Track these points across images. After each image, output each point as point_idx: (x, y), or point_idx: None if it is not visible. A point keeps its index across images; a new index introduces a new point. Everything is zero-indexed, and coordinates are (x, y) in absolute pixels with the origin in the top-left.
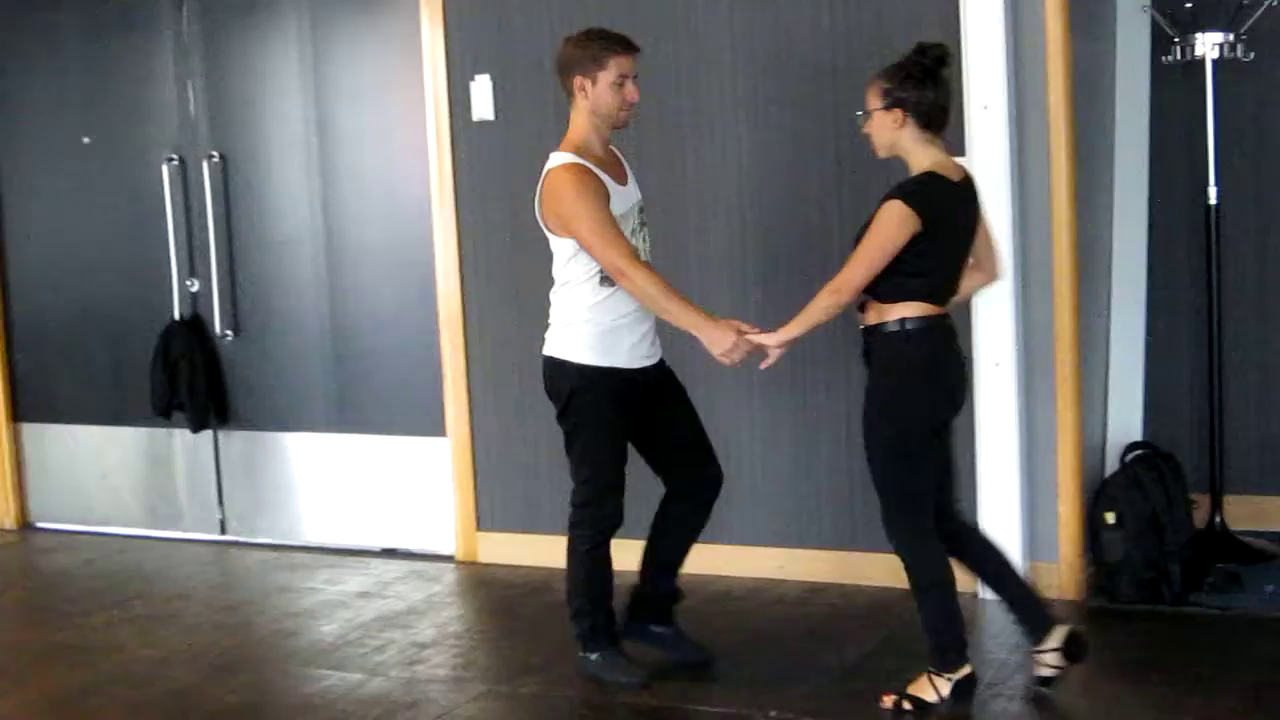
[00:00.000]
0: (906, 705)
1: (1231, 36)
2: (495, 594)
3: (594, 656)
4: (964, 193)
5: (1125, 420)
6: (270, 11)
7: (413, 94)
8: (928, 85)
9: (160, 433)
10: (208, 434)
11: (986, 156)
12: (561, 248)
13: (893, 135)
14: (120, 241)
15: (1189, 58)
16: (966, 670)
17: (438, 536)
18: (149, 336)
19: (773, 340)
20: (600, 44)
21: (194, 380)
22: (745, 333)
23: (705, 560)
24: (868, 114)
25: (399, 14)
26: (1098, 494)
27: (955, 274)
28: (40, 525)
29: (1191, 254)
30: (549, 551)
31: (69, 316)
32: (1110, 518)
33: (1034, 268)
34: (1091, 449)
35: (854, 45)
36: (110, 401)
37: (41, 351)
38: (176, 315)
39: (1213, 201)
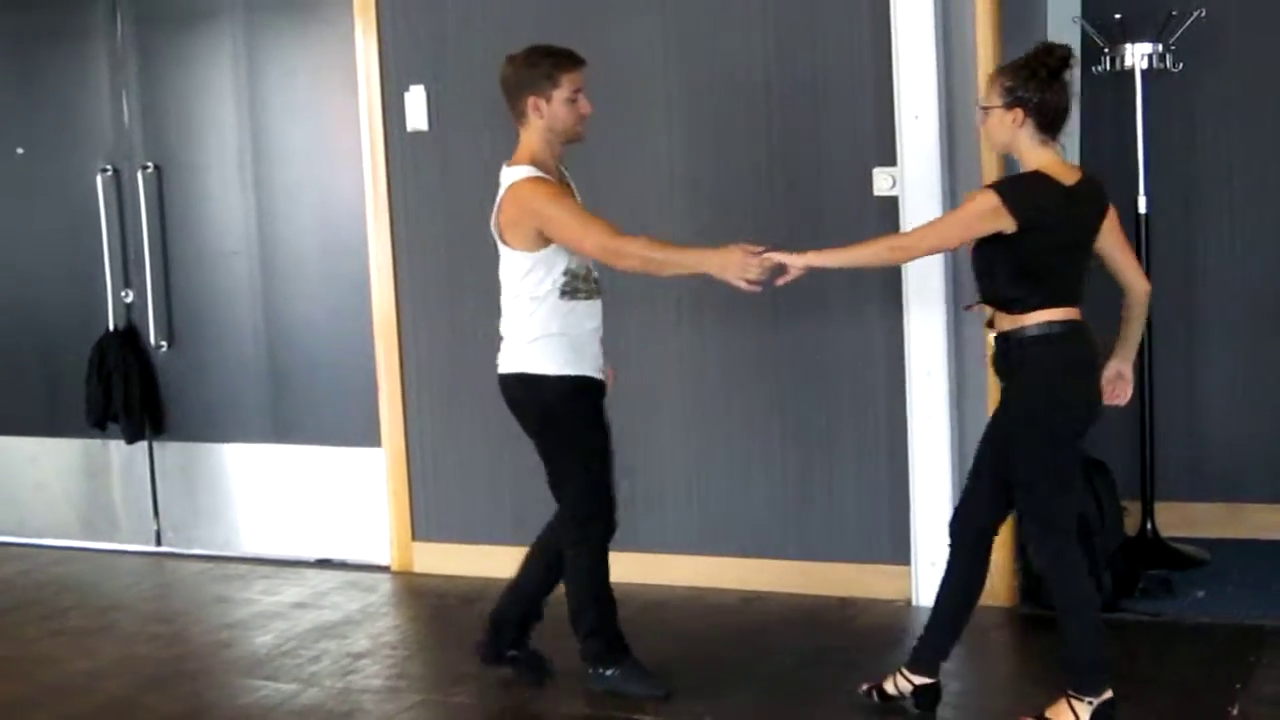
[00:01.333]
0: None
1: (1160, 47)
2: (430, 604)
3: (611, 672)
4: (1080, 195)
5: None
6: (205, 22)
7: (347, 105)
8: (1051, 86)
9: (95, 444)
10: (143, 445)
11: (917, 166)
12: (517, 263)
13: (1010, 134)
14: (54, 252)
15: (1119, 68)
16: (1108, 694)
17: (373, 547)
18: (84, 347)
19: (800, 261)
20: (550, 61)
21: (129, 391)
22: (758, 252)
23: (640, 569)
24: (986, 110)
25: (333, 25)
26: None
27: (1074, 277)
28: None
29: None
30: (484, 561)
31: (3, 326)
32: None
33: (965, 276)
34: None
35: (785, 58)
36: (44, 412)
37: None
38: (111, 326)
39: (1143, 210)
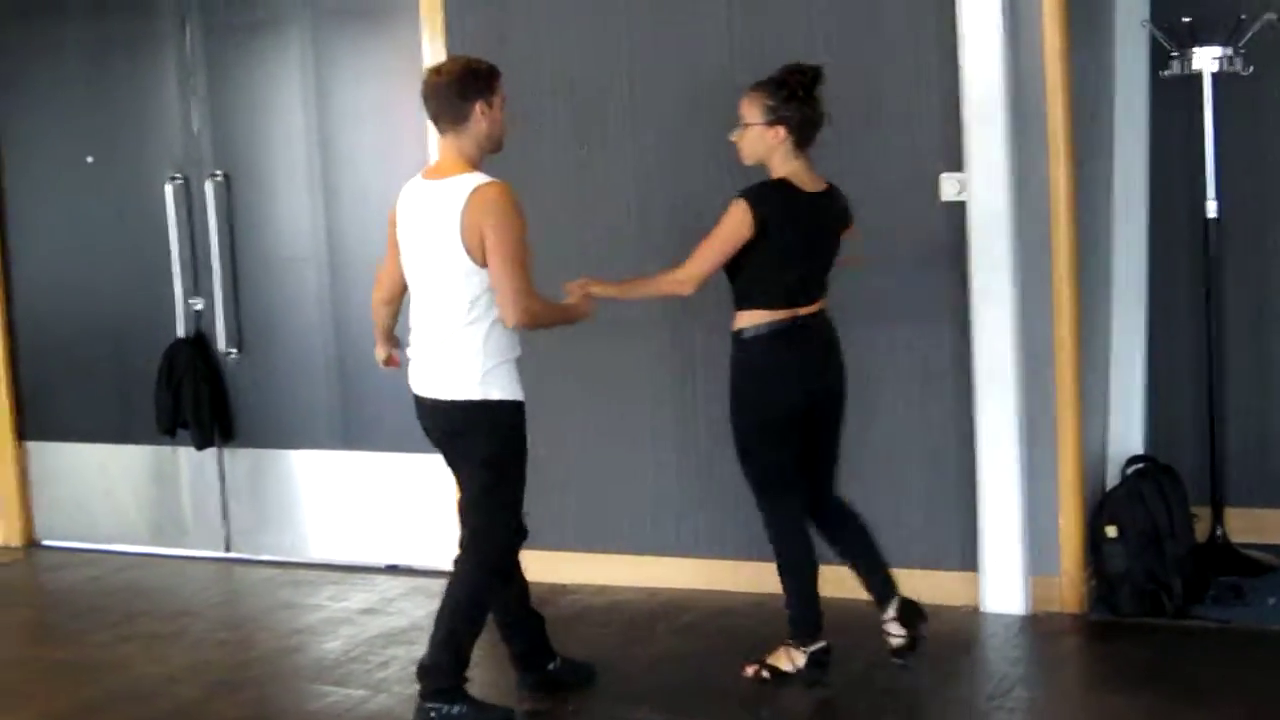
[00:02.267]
0: (765, 674)
1: (1230, 50)
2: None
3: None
4: (820, 204)
5: (1126, 433)
6: (273, 30)
7: (414, 112)
8: (808, 103)
9: (165, 450)
10: (212, 451)
11: (986, 171)
12: (476, 281)
13: (768, 148)
14: (124, 260)
15: (1187, 72)
16: (821, 644)
17: (441, 552)
18: (153, 354)
19: (595, 289)
20: (489, 70)
21: (198, 398)
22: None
23: (705, 575)
24: (744, 127)
25: (401, 32)
26: (1099, 507)
27: (804, 277)
28: (45, 543)
29: (1191, 267)
30: (550, 567)
31: (74, 335)
32: (1111, 531)
33: (1033, 281)
34: (1092, 462)
35: (850, 63)
36: (115, 419)
37: (47, 369)
38: (181, 333)
39: (1212, 215)
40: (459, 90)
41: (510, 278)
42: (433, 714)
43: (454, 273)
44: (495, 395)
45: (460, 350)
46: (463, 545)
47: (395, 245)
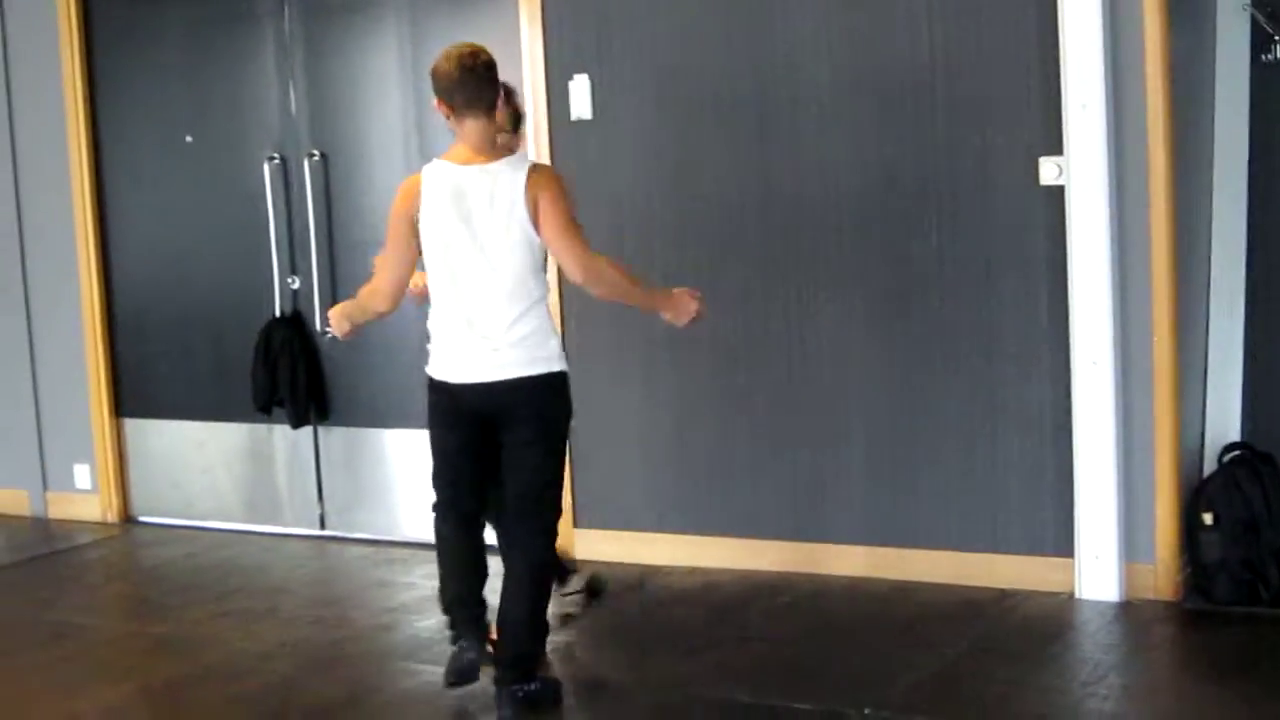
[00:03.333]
0: None
1: None
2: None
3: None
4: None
5: (1223, 420)
6: (371, 10)
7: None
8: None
9: (260, 428)
10: (307, 430)
11: (1084, 156)
12: (538, 256)
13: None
14: (222, 239)
15: None
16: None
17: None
18: (250, 333)
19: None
20: None
21: (294, 376)
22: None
23: (800, 558)
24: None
25: (498, 13)
26: (1195, 494)
27: None
28: (142, 519)
29: None
30: (643, 549)
31: (171, 313)
32: (1208, 518)
33: (1132, 267)
34: (1189, 449)
35: (949, 46)
36: (211, 397)
37: (144, 347)
38: (277, 312)
39: None
40: (493, 76)
41: (572, 237)
42: (521, 694)
43: (522, 251)
44: (563, 367)
45: (537, 326)
46: (526, 518)
47: (409, 236)
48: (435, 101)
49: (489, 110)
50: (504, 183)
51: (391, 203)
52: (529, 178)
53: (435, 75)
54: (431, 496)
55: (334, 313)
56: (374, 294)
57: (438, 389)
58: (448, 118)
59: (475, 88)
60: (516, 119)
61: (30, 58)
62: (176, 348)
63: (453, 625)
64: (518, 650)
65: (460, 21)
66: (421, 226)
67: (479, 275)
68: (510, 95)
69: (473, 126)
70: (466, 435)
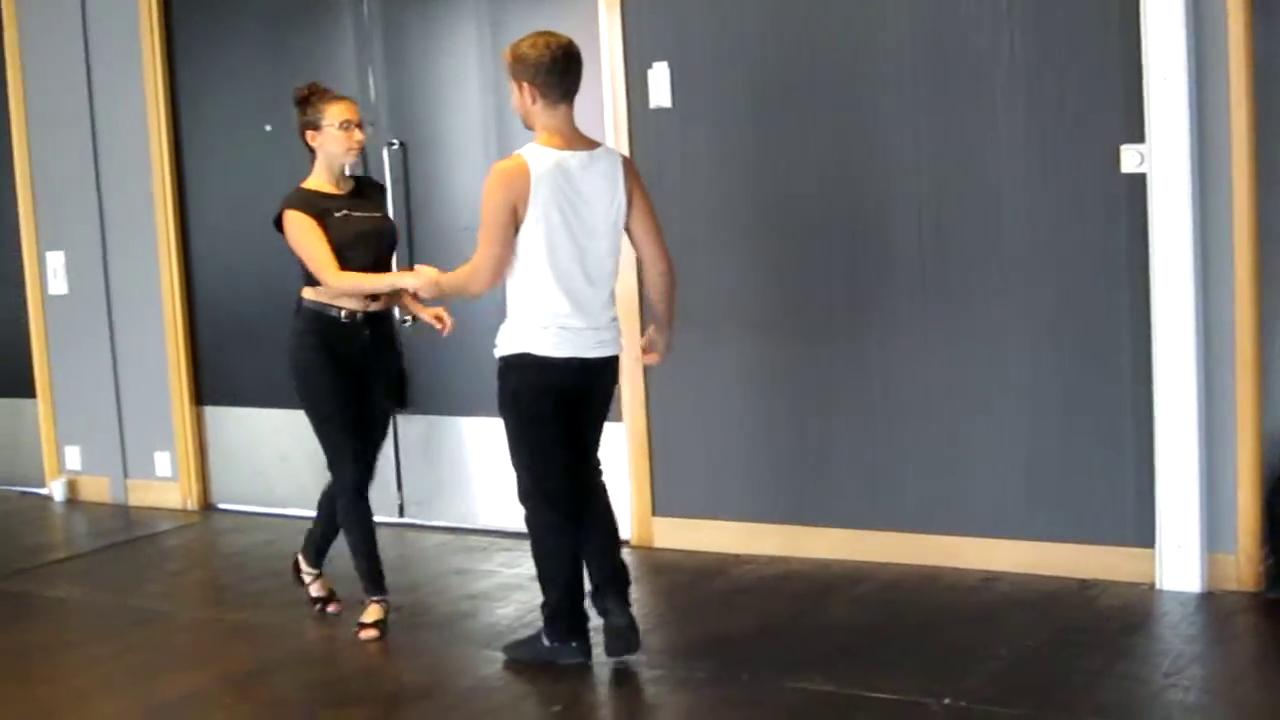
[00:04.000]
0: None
1: None
2: (671, 579)
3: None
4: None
5: None
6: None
7: (591, 82)
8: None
9: None
10: None
11: (1166, 143)
12: (620, 241)
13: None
14: None
15: None
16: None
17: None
18: None
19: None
20: None
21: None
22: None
23: (879, 548)
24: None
25: (578, 2)
26: (1277, 484)
27: None
28: (221, 506)
29: None
30: (724, 537)
31: (251, 301)
32: None
33: (1214, 255)
34: (1271, 438)
35: (1029, 31)
36: (290, 385)
37: (224, 335)
38: None
39: None
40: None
41: (659, 228)
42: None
43: (616, 236)
44: None
45: (613, 309)
46: (598, 474)
47: (512, 220)
48: (518, 86)
49: (573, 96)
50: (606, 170)
51: (486, 185)
52: (624, 168)
53: (525, 61)
54: (513, 482)
55: (428, 276)
56: (475, 274)
57: (540, 366)
58: (532, 102)
59: (574, 75)
60: None
61: (111, 48)
62: (256, 336)
63: (570, 626)
64: (624, 574)
65: (540, 10)
66: (532, 210)
67: (583, 258)
68: None
69: (566, 113)
70: (561, 416)
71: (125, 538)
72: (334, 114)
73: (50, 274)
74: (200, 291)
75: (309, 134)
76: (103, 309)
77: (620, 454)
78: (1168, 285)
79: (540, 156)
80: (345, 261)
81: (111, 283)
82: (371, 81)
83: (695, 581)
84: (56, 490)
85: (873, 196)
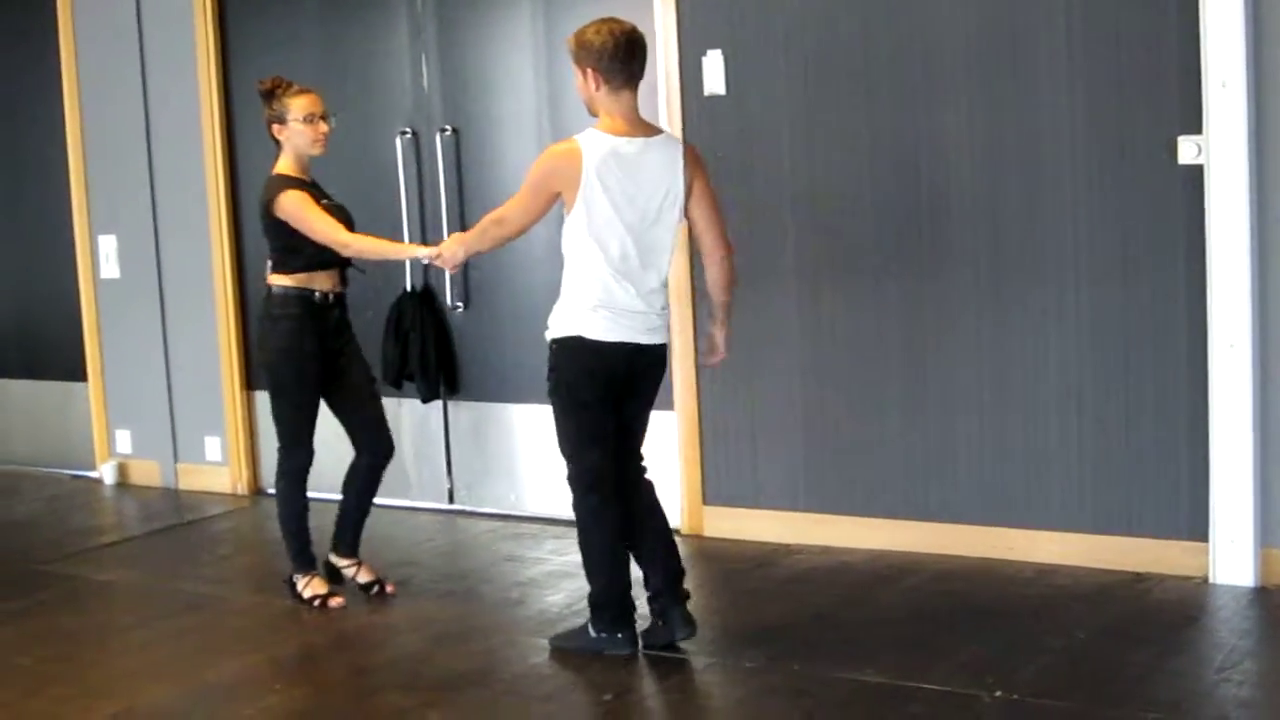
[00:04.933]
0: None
1: None
2: (720, 568)
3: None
4: None
5: None
6: None
7: (646, 69)
8: None
9: (389, 402)
10: (437, 404)
11: (1224, 135)
12: (675, 230)
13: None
14: (355, 212)
15: None
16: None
17: (664, 510)
18: (381, 307)
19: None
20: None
21: (425, 351)
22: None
23: (931, 539)
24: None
25: None
26: None
27: None
28: (271, 492)
29: None
30: (775, 526)
31: None
32: None
33: (1272, 248)
34: None
35: (1088, 23)
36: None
37: None
38: (408, 287)
39: None
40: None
41: (722, 217)
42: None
43: (674, 223)
44: None
45: (665, 297)
46: (639, 461)
47: (550, 199)
48: (582, 72)
49: (638, 82)
50: (666, 157)
51: (536, 161)
52: (687, 155)
53: (589, 47)
54: (562, 469)
55: (453, 241)
56: (501, 222)
57: (591, 349)
58: (596, 88)
59: (638, 62)
60: None
61: (166, 31)
62: None
63: (616, 615)
64: (679, 569)
65: (595, 1)
66: (584, 194)
67: (637, 243)
68: None
69: (629, 99)
70: (608, 402)
71: (175, 522)
72: (299, 107)
73: (102, 258)
74: (251, 276)
75: (275, 128)
76: (154, 293)
77: (671, 442)
78: (1224, 279)
79: (596, 142)
80: (308, 248)
81: (163, 267)
82: (424, 68)
83: (746, 571)
84: (107, 474)
85: (928, 186)
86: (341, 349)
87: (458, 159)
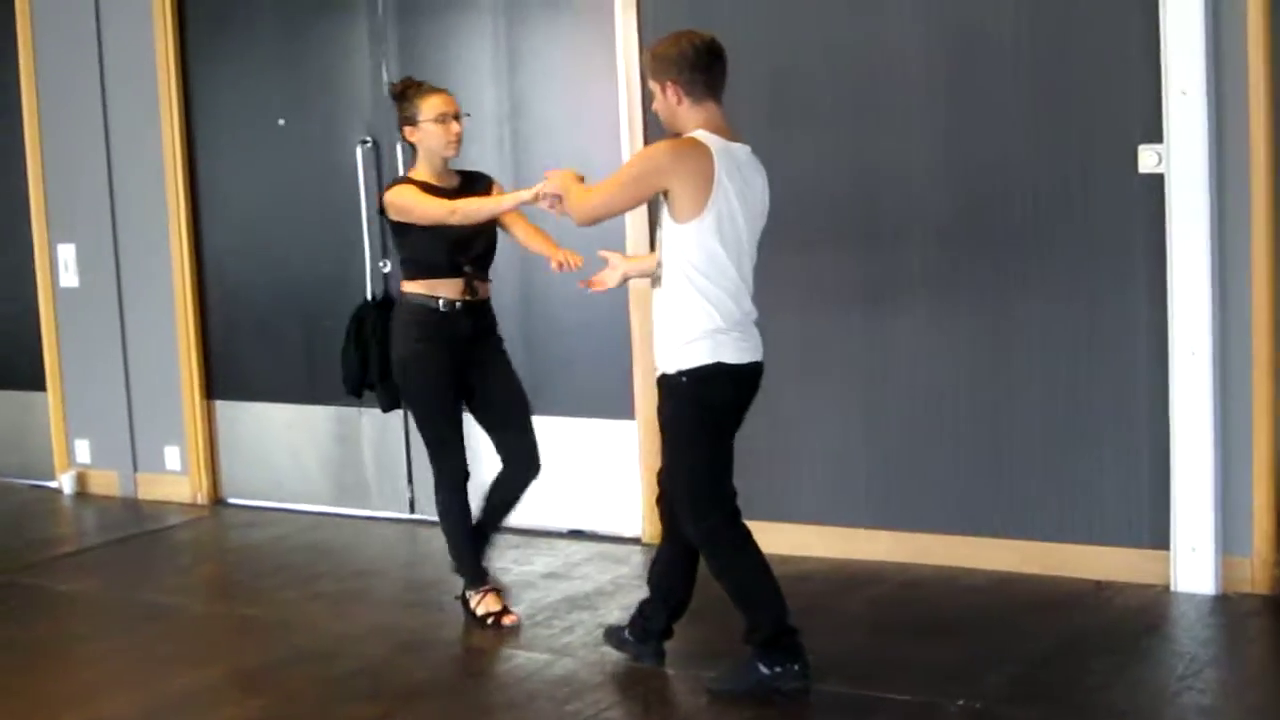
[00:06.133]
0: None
1: None
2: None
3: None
4: None
5: None
6: None
7: (606, 77)
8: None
9: (350, 411)
10: (397, 413)
11: (1184, 144)
12: None
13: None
14: (314, 222)
15: None
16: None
17: (625, 519)
18: (341, 316)
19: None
20: None
21: (385, 360)
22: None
23: (894, 548)
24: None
25: (594, 3)
26: None
27: None
28: (232, 501)
29: None
30: None
31: (263, 296)
32: None
33: (1231, 256)
34: None
35: (1047, 30)
36: (302, 380)
37: (235, 330)
38: (369, 296)
39: None
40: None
41: None
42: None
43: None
44: None
45: None
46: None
47: (645, 196)
48: (661, 87)
49: (721, 94)
50: (761, 168)
51: (648, 151)
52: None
53: (666, 59)
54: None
55: (560, 177)
56: (587, 200)
57: (731, 375)
58: (678, 102)
59: (719, 70)
60: None
61: (124, 41)
62: (267, 331)
63: (789, 645)
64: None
65: (555, 9)
66: (717, 196)
67: (748, 254)
68: None
69: (715, 110)
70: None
71: (135, 532)
72: (430, 108)
73: (61, 267)
74: (211, 285)
75: (406, 130)
76: (114, 302)
77: (632, 450)
78: (1185, 287)
79: (718, 145)
80: (459, 254)
81: (123, 276)
82: (385, 76)
83: (707, 580)
84: (66, 483)
85: (888, 197)
86: (479, 360)
87: None
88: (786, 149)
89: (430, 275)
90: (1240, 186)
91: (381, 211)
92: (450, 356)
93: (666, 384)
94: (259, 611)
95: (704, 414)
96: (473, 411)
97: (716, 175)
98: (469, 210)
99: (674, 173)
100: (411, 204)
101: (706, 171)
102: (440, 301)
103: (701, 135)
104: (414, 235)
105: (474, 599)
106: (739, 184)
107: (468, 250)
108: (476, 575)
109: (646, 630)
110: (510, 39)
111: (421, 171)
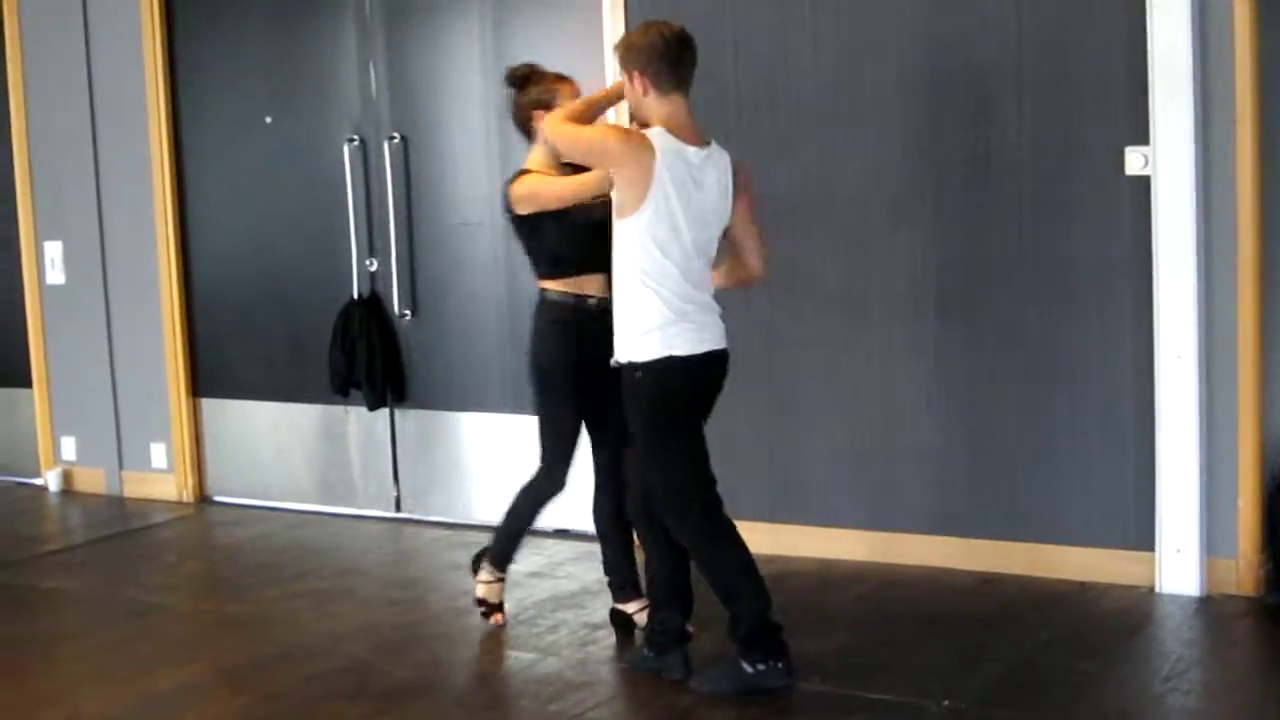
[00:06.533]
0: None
1: None
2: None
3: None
4: None
5: None
6: None
7: (594, 75)
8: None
9: (336, 410)
10: (383, 412)
11: (1171, 146)
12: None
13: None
14: (301, 221)
15: None
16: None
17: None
18: (328, 315)
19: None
20: None
21: (371, 359)
22: None
23: (877, 548)
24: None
25: (583, 2)
26: (1277, 489)
27: None
28: (217, 499)
29: None
30: None
31: (249, 294)
32: None
33: (1218, 259)
34: (1272, 444)
35: (1035, 32)
36: (288, 378)
37: (222, 328)
38: (355, 294)
39: None
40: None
41: (758, 234)
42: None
43: (719, 233)
44: None
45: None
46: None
47: (600, 165)
48: (629, 76)
49: (688, 88)
50: (721, 168)
51: (616, 132)
52: (735, 166)
53: (636, 49)
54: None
55: None
56: (583, 186)
57: (684, 367)
58: (644, 93)
59: (688, 63)
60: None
61: (112, 38)
62: (254, 329)
63: (771, 641)
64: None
65: (543, 9)
66: (655, 193)
67: (698, 250)
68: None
69: (681, 103)
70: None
71: (121, 529)
72: (568, 95)
73: (48, 264)
74: (198, 283)
75: (536, 114)
76: (100, 300)
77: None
78: (1171, 289)
79: (665, 142)
80: (574, 250)
81: (109, 273)
82: (372, 75)
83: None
84: (52, 481)
85: (875, 194)
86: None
87: (406, 166)
88: (782, 149)
89: (576, 271)
90: (1226, 189)
91: (508, 211)
92: (591, 359)
93: (626, 378)
94: (244, 609)
95: (666, 406)
96: (587, 420)
97: (656, 173)
98: (578, 183)
99: (619, 161)
100: (538, 186)
101: (647, 169)
102: (593, 301)
103: (656, 134)
104: (549, 228)
105: (484, 575)
106: (684, 186)
107: (609, 238)
108: (506, 561)
109: (666, 638)
110: (498, 38)
111: (538, 161)
